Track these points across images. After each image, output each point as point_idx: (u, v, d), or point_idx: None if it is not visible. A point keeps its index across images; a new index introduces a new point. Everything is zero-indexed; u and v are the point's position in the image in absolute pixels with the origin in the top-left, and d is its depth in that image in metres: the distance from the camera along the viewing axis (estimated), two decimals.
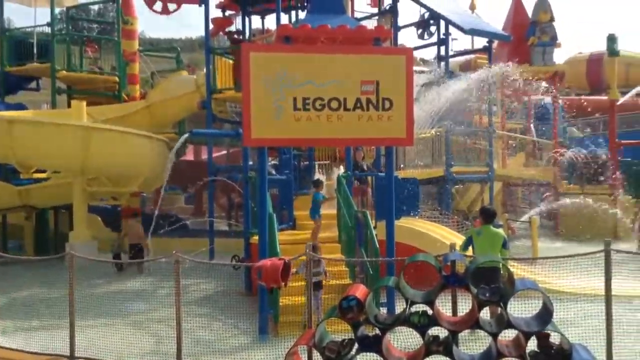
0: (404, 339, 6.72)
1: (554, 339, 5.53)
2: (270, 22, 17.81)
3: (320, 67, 7.83)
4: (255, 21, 18.71)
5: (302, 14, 15.96)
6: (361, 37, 8.83)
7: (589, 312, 6.94)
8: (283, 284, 6.37)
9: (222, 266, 11.21)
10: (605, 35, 19.68)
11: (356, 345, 5.65)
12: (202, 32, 15.81)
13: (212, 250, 14.11)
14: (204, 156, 20.98)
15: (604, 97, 24.29)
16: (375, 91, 7.80)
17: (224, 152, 22.30)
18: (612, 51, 19.50)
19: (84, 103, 14.96)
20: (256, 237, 9.30)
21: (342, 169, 13.60)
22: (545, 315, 5.49)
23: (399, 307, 7.00)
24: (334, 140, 8.63)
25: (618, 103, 20.65)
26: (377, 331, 5.64)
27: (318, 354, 5.70)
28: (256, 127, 7.65)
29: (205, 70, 15.56)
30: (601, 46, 20.54)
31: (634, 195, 19.07)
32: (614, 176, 18.93)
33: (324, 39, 8.77)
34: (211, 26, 16.48)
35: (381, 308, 8.07)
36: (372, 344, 5.57)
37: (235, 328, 8.53)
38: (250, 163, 12.86)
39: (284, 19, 16.10)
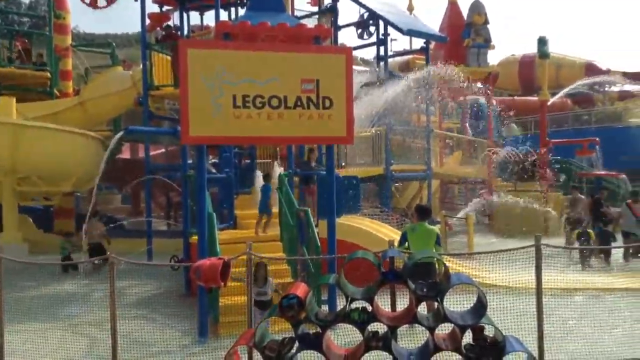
0: (345, 336, 6.78)
1: (488, 331, 5.70)
2: (209, 18, 17.57)
3: (261, 64, 7.77)
4: (194, 17, 18.36)
5: (241, 11, 15.81)
6: (301, 36, 8.83)
7: (522, 305, 7.20)
8: (222, 283, 6.28)
9: (160, 267, 10.98)
10: (537, 38, 20.40)
11: (297, 344, 5.65)
12: (139, 28, 15.39)
13: (150, 250, 13.81)
14: (142, 154, 20.47)
15: (535, 98, 25.26)
16: (315, 90, 7.80)
17: (162, 150, 21.85)
18: (543, 53, 20.28)
19: (14, 99, 14.33)
20: (195, 237, 9.15)
21: (281, 168, 13.59)
22: (479, 308, 5.66)
23: (340, 304, 7.05)
24: (275, 138, 8.60)
25: (548, 103, 21.52)
26: (318, 329, 5.66)
27: (258, 353, 5.67)
28: (194, 124, 7.51)
29: (141, 66, 15.18)
30: (533, 48, 21.31)
31: (563, 191, 19.96)
32: (544, 173, 19.73)
33: (264, 37, 8.72)
34: (148, 21, 16.09)
35: (323, 306, 8.13)
36: (313, 342, 5.58)
37: (174, 329, 8.37)
38: (190, 161, 12.65)
39: (223, 15, 15.92)
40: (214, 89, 7.52)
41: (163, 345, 7.66)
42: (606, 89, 39.88)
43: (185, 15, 15.98)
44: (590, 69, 37.82)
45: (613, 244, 13.26)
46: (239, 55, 7.77)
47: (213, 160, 15.15)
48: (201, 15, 19.16)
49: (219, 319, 8.31)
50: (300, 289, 5.74)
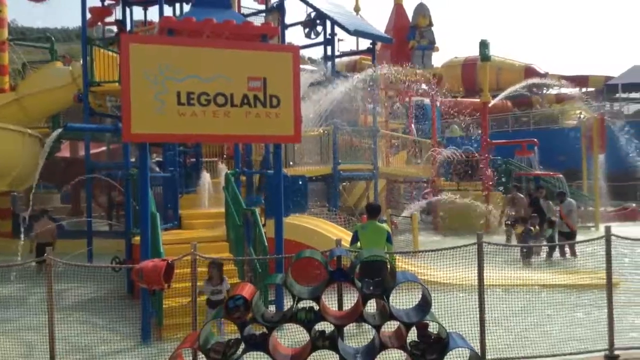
0: (292, 336, 6.76)
1: (432, 328, 5.79)
2: (153, 14, 17.20)
3: (206, 61, 7.64)
4: (137, 13, 17.91)
5: (186, 8, 15.53)
6: (248, 33, 8.75)
7: (464, 301, 7.36)
8: (166, 285, 6.13)
9: (101, 268, 10.65)
10: (479, 41, 20.91)
11: (242, 345, 5.58)
12: (79, 22, 14.87)
13: (91, 252, 13.37)
14: (82, 152, 19.81)
15: (477, 100, 25.94)
16: (262, 88, 7.73)
17: (104, 148, 21.21)
18: (484, 56, 20.80)
19: None
20: (138, 238, 8.92)
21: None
22: (424, 306, 5.73)
23: (288, 304, 7.02)
24: (221, 136, 8.45)
25: (490, 105, 22.14)
26: (265, 329, 5.60)
27: (203, 356, 5.56)
28: (136, 121, 7.30)
29: (82, 61, 14.68)
30: (476, 51, 21.86)
31: (503, 191, 20.58)
32: (485, 173, 20.29)
33: (209, 34, 8.58)
34: (89, 16, 15.59)
35: (270, 306, 8.08)
36: (259, 343, 5.52)
37: (115, 333, 8.12)
38: (132, 160, 12.32)
39: (168, 11, 15.61)
40: (157, 85, 7.34)
41: (104, 350, 7.43)
42: (544, 91, 41.44)
43: (128, 10, 15.57)
44: (529, 72, 39.18)
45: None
46: (184, 52, 7.61)
47: (157, 159, 14.83)
48: (145, 10, 18.73)
49: (163, 322, 8.12)
50: (247, 290, 5.67)
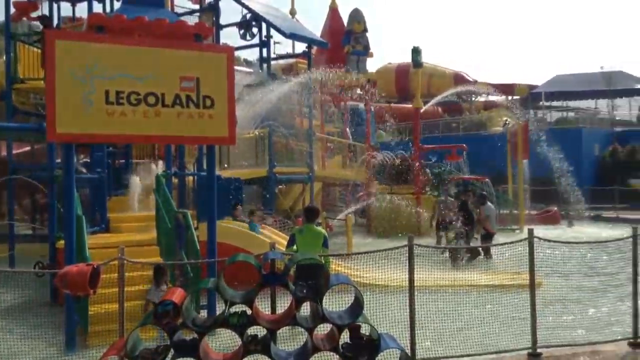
0: (225, 341, 6.66)
1: (364, 330, 5.85)
2: (82, 10, 16.57)
3: (137, 60, 7.43)
4: (65, 9, 17.20)
5: (117, 4, 15.06)
6: (181, 32, 8.58)
7: (396, 302, 7.48)
8: (92, 291, 5.89)
9: (23, 274, 10.14)
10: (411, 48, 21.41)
11: (172, 351, 5.44)
12: (1, 17, 14.14)
13: (13, 256, 12.72)
14: (4, 153, 18.81)
15: (410, 105, 26.53)
16: (195, 88, 7.59)
17: (28, 148, 20.22)
18: (416, 63, 21.30)
19: None
20: (63, 242, 8.55)
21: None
22: (356, 308, 5.79)
23: (221, 308, 6.91)
24: (152, 137, 8.25)
25: (421, 111, 22.69)
26: (195, 335, 5.49)
27: None
28: (62, 120, 7.00)
29: (5, 57, 13.95)
30: (409, 57, 22.34)
31: (434, 194, 21.12)
32: (417, 177, 20.77)
33: (141, 32, 8.36)
34: (13, 10, 14.84)
35: (202, 311, 7.93)
36: (189, 349, 5.40)
37: (39, 341, 7.71)
38: (58, 161, 11.80)
39: (97, 8, 15.08)
40: (85, 83, 7.08)
41: (27, 358, 7.06)
42: (473, 98, 42.92)
43: (55, 5, 14.93)
44: (459, 79, 40.50)
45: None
46: (114, 50, 7.38)
47: (84, 160, 14.30)
48: (73, 6, 17.98)
49: (89, 329, 7.82)
50: (177, 295, 5.53)
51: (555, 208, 24.16)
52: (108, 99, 7.17)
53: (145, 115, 7.37)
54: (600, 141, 34.53)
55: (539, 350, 6.97)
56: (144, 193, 12.81)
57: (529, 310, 7.10)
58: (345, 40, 25.20)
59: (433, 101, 28.94)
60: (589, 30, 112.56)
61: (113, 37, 7.81)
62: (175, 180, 12.03)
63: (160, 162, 14.07)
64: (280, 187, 19.24)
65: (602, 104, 43.27)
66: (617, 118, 41.24)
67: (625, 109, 44.14)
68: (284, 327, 5.96)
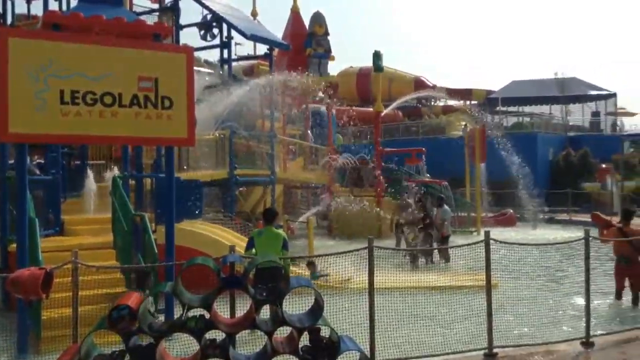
0: (183, 346, 6.56)
1: (324, 332, 5.84)
2: (37, 8, 16.14)
3: (93, 59, 7.26)
4: (20, 5, 16.75)
5: (74, 2, 14.71)
6: (140, 32, 8.46)
7: (357, 304, 7.51)
8: (44, 295, 5.71)
9: None
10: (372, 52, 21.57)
11: (128, 357, 5.32)
12: None
13: None
14: None
15: (371, 109, 26.76)
16: (154, 88, 7.47)
17: None
18: (377, 67, 21.49)
19: None
20: (14, 245, 8.28)
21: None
22: (316, 310, 5.78)
23: (178, 312, 6.81)
24: (108, 138, 8.09)
25: (382, 114, 22.92)
26: (152, 340, 5.38)
27: None
28: (14, 120, 6.79)
29: None
30: (370, 61, 22.53)
31: (394, 197, 21.35)
32: (378, 180, 20.95)
33: (98, 31, 8.18)
34: None
35: (160, 315, 7.79)
36: (146, 354, 5.28)
37: None
38: (11, 161, 11.43)
39: (53, 5, 14.72)
40: (39, 82, 6.89)
41: None
42: (432, 103, 43.60)
43: (9, 2, 14.50)
44: (419, 83, 41.07)
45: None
46: (69, 48, 7.20)
47: (38, 161, 13.89)
48: (28, 3, 17.54)
49: (41, 334, 7.59)
50: (133, 299, 5.42)
51: (511, 211, 24.76)
52: (63, 98, 7.00)
53: (102, 115, 7.21)
54: (554, 146, 35.55)
55: (494, 351, 7.09)
56: (100, 195, 12.52)
57: (485, 311, 7.22)
58: (307, 43, 25.28)
59: (393, 105, 29.30)
60: (545, 37, 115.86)
61: (69, 36, 7.62)
62: (132, 182, 11.80)
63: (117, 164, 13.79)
64: (241, 189, 19.11)
65: (556, 109, 44.54)
66: (570, 123, 42.52)
67: (578, 115, 45.55)
68: (244, 331, 5.91)
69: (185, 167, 16.23)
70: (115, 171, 12.98)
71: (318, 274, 10.85)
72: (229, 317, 6.55)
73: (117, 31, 8.19)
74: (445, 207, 15.28)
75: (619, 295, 9.95)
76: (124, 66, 7.37)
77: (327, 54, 28.07)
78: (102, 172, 14.12)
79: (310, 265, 11.31)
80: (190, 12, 22.42)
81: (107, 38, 7.95)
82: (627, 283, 9.93)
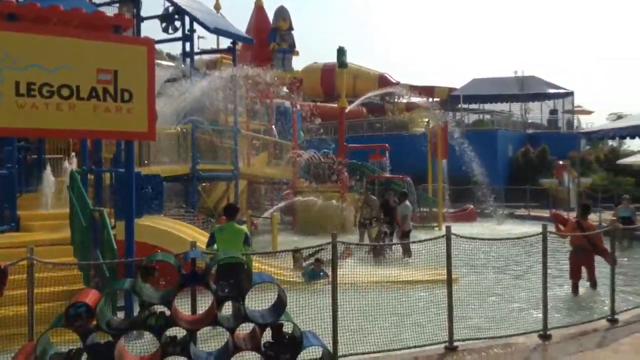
0: (143, 343, 6.45)
1: (287, 328, 5.83)
2: None
3: (51, 50, 7.04)
4: None
5: None
6: (99, 23, 8.27)
7: (320, 299, 7.52)
8: None
9: None
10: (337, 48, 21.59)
11: (85, 355, 5.20)
12: None
13: None
14: None
15: (335, 105, 26.82)
16: (113, 81, 7.30)
17: None
18: (342, 63, 21.52)
19: None
20: None
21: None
22: (279, 306, 5.76)
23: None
24: (66, 131, 7.85)
25: (346, 111, 22.99)
26: (110, 338, 5.27)
27: None
28: None
29: None
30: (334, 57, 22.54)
31: (358, 192, 21.47)
32: (342, 176, 21.02)
33: (56, 21, 7.97)
34: None
35: (119, 312, 7.65)
36: (104, 352, 5.18)
37: None
38: None
39: None
40: None
41: None
42: (396, 100, 43.95)
43: None
44: (383, 80, 41.33)
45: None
46: (25, 39, 6.95)
47: None
48: None
49: None
50: (90, 296, 5.30)
51: (472, 206, 25.19)
52: (18, 90, 6.76)
53: (59, 108, 7.00)
54: (513, 143, 36.33)
55: (455, 344, 7.20)
56: (57, 190, 12.21)
57: (446, 304, 7.32)
58: (270, 37, 25.08)
59: (358, 101, 29.41)
60: (505, 36, 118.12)
61: (25, 26, 7.40)
62: (91, 177, 11.54)
63: (75, 158, 13.47)
64: (203, 184, 18.93)
65: (516, 107, 45.50)
66: (529, 121, 43.51)
67: (537, 112, 46.64)
68: (205, 328, 5.85)
69: (146, 161, 15.97)
70: (74, 165, 12.71)
71: (324, 272, 10.58)
72: (190, 314, 6.48)
73: (76, 22, 8.01)
74: (406, 202, 15.42)
75: (575, 288, 10.49)
76: (82, 58, 7.17)
77: (291, 49, 27.91)
78: (60, 166, 13.76)
79: (317, 262, 11.00)
80: (151, 4, 22.08)
81: (65, 29, 7.74)
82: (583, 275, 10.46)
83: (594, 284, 10.52)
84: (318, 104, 33.46)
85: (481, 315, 8.48)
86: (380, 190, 20.50)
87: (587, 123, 43.74)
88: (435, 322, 7.63)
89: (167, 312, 5.44)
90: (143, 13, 16.92)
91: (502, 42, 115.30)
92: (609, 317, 8.40)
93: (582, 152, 30.44)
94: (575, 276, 10.50)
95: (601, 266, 10.22)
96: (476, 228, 19.95)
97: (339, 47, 21.40)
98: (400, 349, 7.04)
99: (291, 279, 10.34)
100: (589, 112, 49.40)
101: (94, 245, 8.66)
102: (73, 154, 13.56)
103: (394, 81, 42.17)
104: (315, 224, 18.34)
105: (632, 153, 34.19)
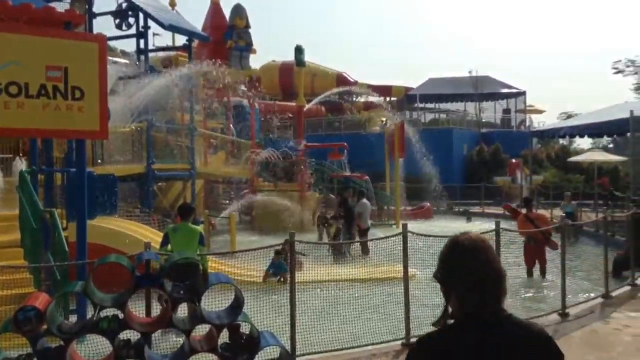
0: (96, 347, 6.29)
1: (244, 328, 5.79)
2: None
3: None
4: None
5: None
6: (49, 19, 8.01)
7: (278, 299, 7.50)
8: None
9: None
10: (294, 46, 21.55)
11: None
12: None
13: None
14: None
15: (293, 103, 26.78)
16: (63, 78, 7.10)
17: None
18: (299, 61, 21.49)
19: None
20: None
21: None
22: (236, 307, 5.70)
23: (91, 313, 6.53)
24: (14, 130, 7.62)
25: (305, 109, 22.98)
26: (61, 342, 5.12)
27: None
28: None
29: None
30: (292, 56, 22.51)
31: (319, 191, 21.50)
32: (302, 174, 21.00)
33: (4, 17, 7.69)
34: None
35: (72, 316, 7.45)
36: (54, 357, 5.02)
37: None
38: None
39: None
40: None
41: None
42: (354, 98, 44.19)
43: None
44: (341, 79, 41.45)
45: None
46: None
47: None
48: None
49: None
50: (40, 300, 5.13)
51: (428, 204, 25.57)
52: None
53: (7, 106, 6.77)
54: (468, 141, 37.05)
55: (412, 340, 7.28)
56: (6, 190, 11.80)
57: (403, 301, 7.39)
58: (227, 35, 24.80)
59: (316, 100, 29.44)
60: (459, 36, 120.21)
61: None
62: (41, 177, 11.19)
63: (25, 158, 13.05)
64: (160, 184, 18.60)
65: (471, 106, 46.40)
66: (483, 120, 44.45)
67: (490, 112, 47.69)
68: (160, 330, 5.74)
69: (99, 161, 15.60)
70: (24, 165, 12.31)
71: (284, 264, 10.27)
72: (144, 316, 6.35)
73: (25, 18, 7.74)
74: (364, 200, 15.52)
75: (530, 273, 11.57)
76: (31, 55, 6.95)
77: (248, 47, 27.68)
78: (9, 166, 13.31)
79: (277, 254, 10.55)
80: (104, 0, 21.56)
81: (13, 25, 7.48)
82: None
83: (543, 273, 11.45)
84: (276, 102, 33.36)
85: (437, 311, 8.56)
86: (339, 189, 20.57)
87: (538, 122, 45.04)
88: (393, 319, 7.69)
89: (121, 315, 5.32)
90: (95, 9, 16.51)
91: (457, 42, 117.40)
92: (560, 312, 8.64)
93: (534, 151, 31.26)
94: (529, 264, 11.48)
95: (554, 263, 10.56)
96: (438, 226, 20.23)
97: (297, 45, 21.37)
98: (357, 347, 7.08)
99: (249, 279, 10.28)
100: (540, 112, 50.81)
101: (44, 248, 8.40)
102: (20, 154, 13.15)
103: (352, 80, 42.37)
104: (274, 223, 18.28)
105: (582, 151, 35.38)
